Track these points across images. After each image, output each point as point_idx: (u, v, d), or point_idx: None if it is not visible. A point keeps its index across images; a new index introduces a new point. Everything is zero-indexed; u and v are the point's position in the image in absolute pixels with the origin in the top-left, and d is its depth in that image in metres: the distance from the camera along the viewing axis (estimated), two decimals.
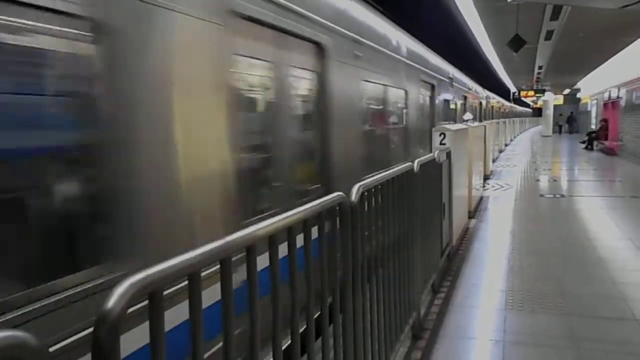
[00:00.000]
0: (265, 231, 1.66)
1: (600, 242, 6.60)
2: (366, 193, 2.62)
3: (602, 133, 22.45)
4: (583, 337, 3.89)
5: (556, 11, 11.28)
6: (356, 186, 2.49)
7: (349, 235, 2.39)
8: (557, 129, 40.61)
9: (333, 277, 2.25)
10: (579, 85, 33.04)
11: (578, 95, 35.45)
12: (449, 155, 5.65)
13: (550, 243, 6.65)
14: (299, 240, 1.94)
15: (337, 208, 2.27)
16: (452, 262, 5.83)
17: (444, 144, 6.03)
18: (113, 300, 1.06)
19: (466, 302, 4.65)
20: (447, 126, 6.44)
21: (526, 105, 52.91)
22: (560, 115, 41.31)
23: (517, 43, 10.78)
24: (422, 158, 4.19)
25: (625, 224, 7.65)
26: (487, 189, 11.56)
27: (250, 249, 1.57)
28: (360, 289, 2.52)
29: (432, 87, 10.25)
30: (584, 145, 24.02)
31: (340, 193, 2.29)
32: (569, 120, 40.60)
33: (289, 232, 1.84)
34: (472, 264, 5.80)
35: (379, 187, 2.86)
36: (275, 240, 1.72)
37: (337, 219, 2.30)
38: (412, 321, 3.75)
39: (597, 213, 8.69)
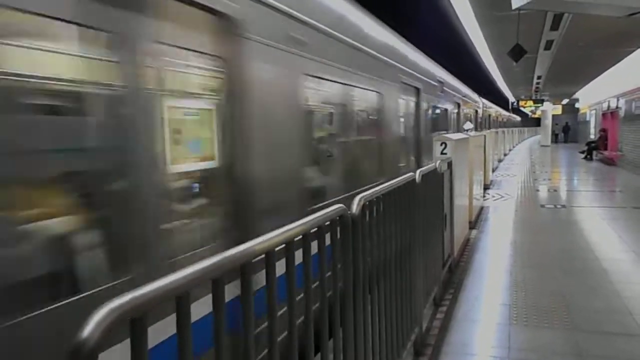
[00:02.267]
0: (262, 247, 1.55)
1: (604, 254, 6.48)
2: (367, 203, 2.52)
3: (601, 143, 22.40)
4: (590, 353, 3.77)
5: (556, 21, 11.24)
6: (357, 198, 2.39)
7: (350, 248, 2.28)
8: (554, 137, 41.12)
9: (333, 291, 2.14)
10: (577, 95, 33.06)
11: (577, 105, 35.50)
12: (450, 165, 5.55)
13: (553, 255, 6.53)
14: (299, 254, 1.84)
15: (338, 220, 2.17)
16: (453, 274, 5.71)
17: (445, 153, 5.94)
18: (89, 329, 0.95)
19: (469, 317, 4.52)
20: (448, 135, 6.35)
21: (524, 115, 52.91)
22: (557, 124, 41.90)
23: (517, 52, 10.71)
24: (424, 168, 4.08)
25: (628, 236, 7.54)
26: (488, 199, 11.46)
27: (245, 268, 1.46)
28: (361, 302, 2.41)
29: (417, 91, 8.73)
30: (583, 155, 23.96)
31: (341, 205, 2.19)
32: (564, 129, 41.77)
33: (287, 248, 1.73)
34: (474, 276, 5.68)
35: (381, 197, 2.75)
36: (272, 257, 1.61)
37: (338, 231, 2.20)
38: (414, 337, 3.63)
39: (599, 224, 8.58)
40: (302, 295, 1.88)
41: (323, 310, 2.05)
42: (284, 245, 1.71)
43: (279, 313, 1.67)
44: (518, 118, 53.13)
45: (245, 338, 1.49)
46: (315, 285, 1.94)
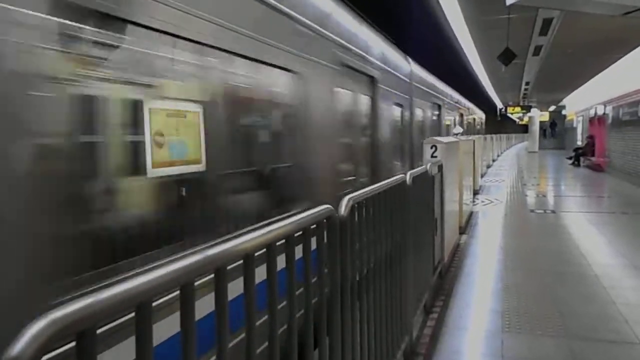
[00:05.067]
0: (239, 250, 1.39)
1: (595, 258, 6.38)
2: (356, 205, 2.36)
3: (588, 149, 22.49)
4: None
5: (546, 26, 11.22)
6: (346, 198, 2.23)
7: (338, 251, 2.12)
8: (542, 133, 41.65)
9: (319, 298, 1.98)
10: (564, 102, 33.27)
11: (563, 112, 35.72)
12: (440, 168, 5.42)
13: (544, 260, 6.42)
14: (281, 258, 1.67)
15: (325, 222, 2.01)
16: (444, 280, 5.57)
17: (436, 156, 5.83)
18: (22, 344, 0.78)
19: (460, 324, 4.37)
20: (439, 138, 6.23)
21: (512, 121, 53.21)
22: (544, 130, 42.71)
23: (507, 56, 10.66)
24: (415, 170, 3.95)
25: (618, 241, 7.47)
26: (477, 204, 11.37)
27: (219, 272, 1.29)
28: (349, 309, 2.25)
29: (372, 80, 6.79)
30: (570, 161, 24.04)
31: (328, 206, 2.03)
32: (552, 125, 42.43)
33: (268, 250, 1.56)
34: (465, 282, 5.55)
35: (371, 199, 2.60)
36: (251, 261, 1.45)
37: (325, 233, 2.04)
38: (404, 345, 3.47)
39: (588, 229, 8.51)
40: (284, 303, 1.72)
41: (308, 319, 1.89)
42: (264, 250, 1.55)
43: (259, 322, 1.51)
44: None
45: (219, 353, 1.32)
46: (299, 291, 1.78)
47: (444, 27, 13.12)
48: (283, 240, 1.67)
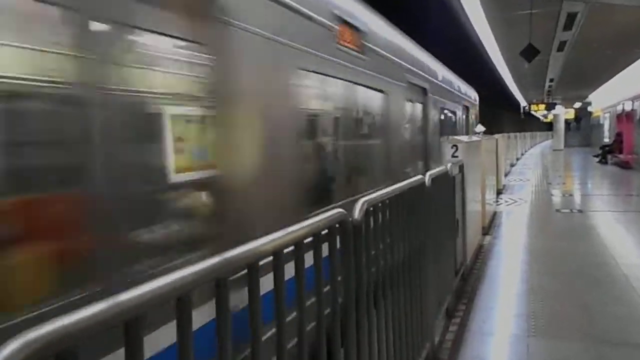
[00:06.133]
0: (243, 258, 1.32)
1: (624, 259, 6.16)
2: (372, 209, 2.28)
3: (616, 146, 21.93)
4: None
5: (570, 21, 10.95)
6: (360, 201, 2.15)
7: (352, 257, 2.04)
8: (567, 127, 40.85)
9: (332, 308, 1.90)
10: (589, 98, 32.53)
11: (589, 109, 34.94)
12: (461, 168, 5.30)
13: (571, 261, 6.22)
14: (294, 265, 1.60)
15: (337, 227, 1.93)
16: (466, 282, 5.43)
17: (456, 156, 5.69)
18: None
19: (484, 329, 4.25)
20: (460, 138, 6.10)
21: (536, 119, 52.18)
22: (569, 124, 41.78)
23: (530, 52, 10.43)
24: (434, 171, 3.84)
25: None
26: (501, 203, 11.14)
27: (220, 284, 1.22)
28: (365, 318, 2.17)
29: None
30: (597, 159, 23.48)
31: (341, 210, 1.95)
32: (577, 121, 41.53)
33: (275, 258, 1.49)
34: (489, 285, 5.40)
35: (387, 202, 2.51)
36: (255, 270, 1.37)
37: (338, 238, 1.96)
38: (425, 353, 3.37)
39: (617, 229, 8.25)
40: (294, 314, 1.64)
41: (320, 330, 1.81)
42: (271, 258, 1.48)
43: (265, 337, 1.44)
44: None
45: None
46: (310, 302, 1.70)
47: (465, 26, 12.92)
48: (292, 247, 1.59)
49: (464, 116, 13.72)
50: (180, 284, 1.08)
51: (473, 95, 16.70)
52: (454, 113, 11.98)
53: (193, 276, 1.11)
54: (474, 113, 17.65)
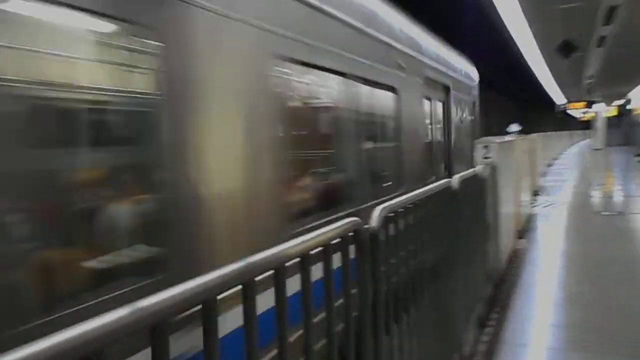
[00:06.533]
0: (237, 275, 1.18)
1: None
2: (392, 214, 2.11)
3: None
4: None
5: (610, 14, 10.50)
6: (378, 209, 1.98)
7: (369, 270, 1.88)
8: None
9: (346, 325, 1.75)
10: (629, 95, 31.35)
11: (628, 107, 33.65)
12: (494, 169, 5.06)
13: (613, 268, 5.88)
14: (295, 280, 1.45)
15: (351, 237, 1.77)
16: (499, 290, 5.18)
17: (488, 157, 5.45)
18: None
19: (519, 340, 4.00)
20: (492, 138, 5.86)
21: (573, 118, 50.41)
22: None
23: (568, 49, 10.03)
24: (463, 173, 3.64)
25: None
26: (537, 205, 10.75)
27: (206, 305, 1.09)
28: (383, 332, 2.00)
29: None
30: (638, 159, 22.59)
31: (355, 218, 1.80)
32: (619, 117, 40.07)
33: (276, 275, 1.34)
34: (524, 293, 5.13)
35: (409, 208, 2.34)
36: (251, 287, 1.23)
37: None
38: None
39: None
40: (300, 332, 1.50)
41: (332, 347, 1.65)
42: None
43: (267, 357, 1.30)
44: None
45: None
46: (318, 318, 1.55)
47: (498, 24, 12.55)
48: (297, 259, 1.45)
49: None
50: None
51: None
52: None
53: (185, 294, 1.02)
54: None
